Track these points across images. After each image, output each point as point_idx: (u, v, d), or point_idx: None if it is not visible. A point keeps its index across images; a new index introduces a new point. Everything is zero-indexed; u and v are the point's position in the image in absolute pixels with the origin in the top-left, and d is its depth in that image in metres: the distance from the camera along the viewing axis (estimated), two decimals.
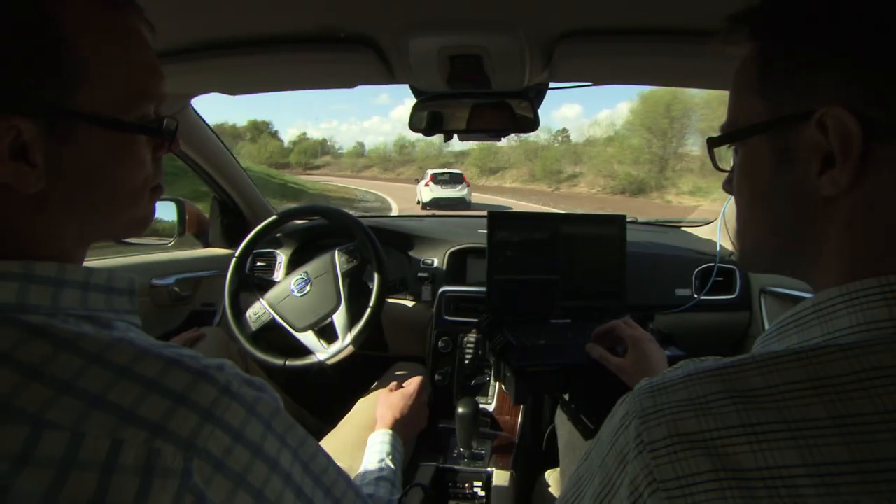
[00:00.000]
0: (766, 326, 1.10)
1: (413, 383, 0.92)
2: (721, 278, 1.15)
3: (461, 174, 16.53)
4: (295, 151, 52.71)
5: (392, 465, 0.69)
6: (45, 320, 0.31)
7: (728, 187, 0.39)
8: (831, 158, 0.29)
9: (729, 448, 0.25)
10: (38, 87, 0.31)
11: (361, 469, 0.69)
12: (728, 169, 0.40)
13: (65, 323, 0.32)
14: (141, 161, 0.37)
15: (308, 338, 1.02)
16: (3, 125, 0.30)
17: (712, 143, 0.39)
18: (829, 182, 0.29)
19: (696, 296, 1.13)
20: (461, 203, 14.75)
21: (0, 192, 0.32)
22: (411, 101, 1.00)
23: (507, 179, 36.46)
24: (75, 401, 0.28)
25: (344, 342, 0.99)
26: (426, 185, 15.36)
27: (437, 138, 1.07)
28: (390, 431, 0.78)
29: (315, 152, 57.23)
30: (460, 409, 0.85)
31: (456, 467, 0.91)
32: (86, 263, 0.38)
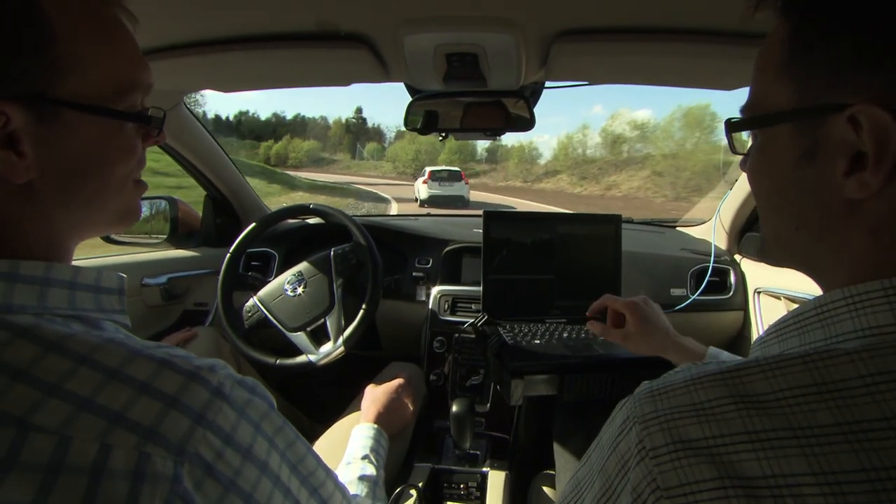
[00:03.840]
0: (761, 326, 1.11)
1: (398, 378, 0.92)
2: (716, 278, 1.16)
3: (460, 172, 16.52)
4: (446, 151, 39.32)
5: (375, 462, 0.69)
6: (33, 320, 0.31)
7: (745, 167, 0.37)
8: (861, 158, 0.27)
9: (734, 455, 0.25)
10: (26, 74, 0.31)
11: (343, 461, 0.68)
12: (744, 151, 0.37)
13: (52, 323, 0.32)
14: (132, 149, 0.37)
15: (300, 338, 1.01)
16: None
17: (732, 128, 0.36)
18: (856, 184, 0.27)
19: (690, 296, 1.13)
20: (459, 201, 14.77)
21: None
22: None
23: None
24: (63, 403, 0.28)
25: (336, 344, 0.99)
26: (424, 182, 15.36)
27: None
28: (374, 425, 0.77)
29: (482, 157, 43.67)
30: (455, 409, 0.85)
31: (451, 468, 0.91)
32: (77, 262, 0.38)
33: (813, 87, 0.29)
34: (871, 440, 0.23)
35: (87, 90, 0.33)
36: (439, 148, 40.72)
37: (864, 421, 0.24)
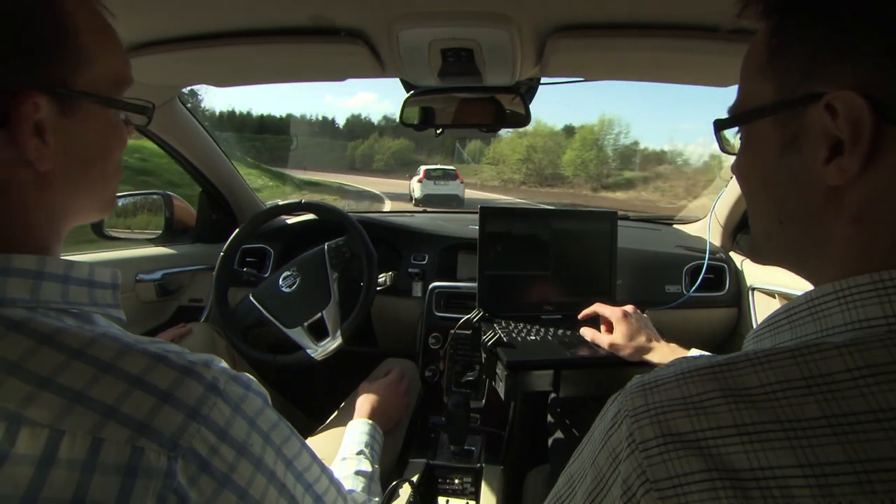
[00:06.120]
0: (755, 323, 1.11)
1: (392, 374, 0.93)
2: (711, 275, 1.16)
3: (455, 171, 16.46)
4: (576, 145, 29.08)
5: (370, 458, 0.69)
6: (26, 314, 0.31)
7: (736, 170, 0.38)
8: (840, 146, 0.28)
9: (722, 448, 0.25)
10: (51, 66, 0.33)
11: (339, 457, 0.69)
12: (734, 151, 0.38)
13: (45, 317, 0.32)
14: (123, 137, 0.40)
15: (298, 334, 1.01)
16: (29, 102, 0.31)
17: (719, 126, 0.37)
18: (836, 170, 0.28)
19: (685, 292, 1.14)
20: (454, 200, 14.75)
21: (14, 168, 0.32)
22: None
23: None
24: (55, 397, 0.28)
25: (335, 338, 0.99)
26: (419, 181, 15.34)
27: None
28: (369, 421, 0.78)
29: (625, 162, 30.61)
30: (450, 405, 0.85)
31: (446, 463, 0.91)
32: (71, 257, 0.38)
33: (792, 81, 0.30)
34: (857, 433, 0.24)
35: (97, 82, 0.35)
36: (563, 144, 30.09)
37: (850, 414, 0.24)
